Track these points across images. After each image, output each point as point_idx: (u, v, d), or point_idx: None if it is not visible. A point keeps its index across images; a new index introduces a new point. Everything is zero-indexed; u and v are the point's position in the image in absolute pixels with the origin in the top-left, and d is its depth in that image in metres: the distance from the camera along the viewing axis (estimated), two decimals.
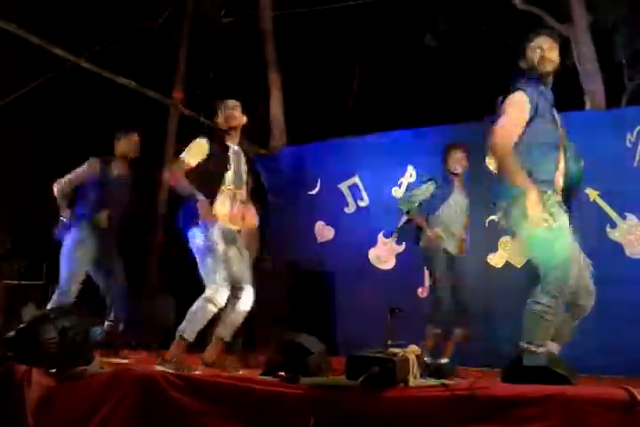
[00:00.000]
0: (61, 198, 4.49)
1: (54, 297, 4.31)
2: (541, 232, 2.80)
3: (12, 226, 8.05)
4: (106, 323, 4.37)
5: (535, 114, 2.93)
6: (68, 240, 4.40)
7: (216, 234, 3.54)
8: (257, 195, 3.92)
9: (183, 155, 3.64)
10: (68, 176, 4.51)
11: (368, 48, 10.61)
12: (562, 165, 2.97)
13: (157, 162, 8.50)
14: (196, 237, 3.55)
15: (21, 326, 3.07)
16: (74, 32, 8.47)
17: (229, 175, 3.66)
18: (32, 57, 8.13)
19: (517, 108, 2.94)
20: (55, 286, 4.42)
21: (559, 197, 2.93)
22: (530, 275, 3.02)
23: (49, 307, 4.23)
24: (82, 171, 4.51)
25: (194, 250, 3.58)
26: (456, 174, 4.47)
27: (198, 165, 3.61)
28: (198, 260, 3.56)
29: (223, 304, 3.54)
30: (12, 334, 3.04)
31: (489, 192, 3.14)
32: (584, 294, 2.86)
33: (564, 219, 2.87)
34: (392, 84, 10.45)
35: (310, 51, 10.04)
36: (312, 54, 10.11)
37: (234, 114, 3.73)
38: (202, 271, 3.55)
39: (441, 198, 4.42)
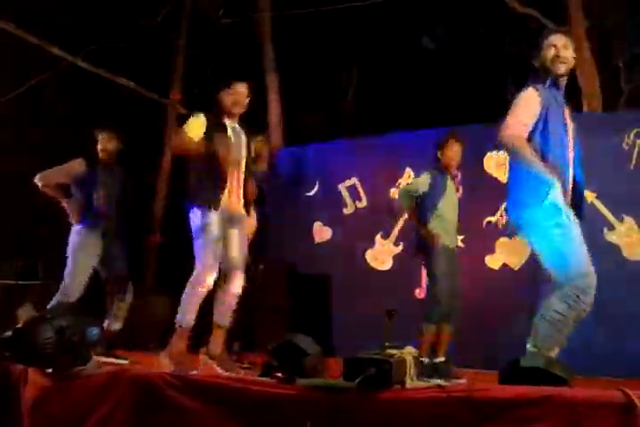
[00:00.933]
0: (50, 189, 4.47)
1: (57, 296, 4.30)
2: (561, 242, 2.78)
3: (9, 225, 8.03)
4: (105, 322, 4.37)
5: (546, 116, 2.88)
6: (75, 240, 4.40)
7: (213, 215, 3.54)
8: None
9: (184, 127, 3.60)
10: (51, 170, 4.49)
11: (366, 50, 10.62)
12: (571, 170, 2.94)
13: (155, 162, 8.49)
14: (194, 217, 3.57)
15: (18, 325, 3.07)
16: (71, 31, 8.45)
17: (231, 152, 3.64)
18: (29, 56, 8.12)
19: (528, 103, 2.88)
20: (52, 286, 4.42)
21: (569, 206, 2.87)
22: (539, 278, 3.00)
23: (50, 305, 4.23)
24: (66, 168, 4.50)
25: (192, 229, 3.58)
26: (451, 167, 4.44)
27: (202, 146, 3.57)
28: (194, 239, 3.57)
29: (211, 285, 3.53)
30: (8, 333, 3.04)
31: (505, 200, 3.08)
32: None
33: (578, 229, 2.83)
34: (390, 85, 10.46)
35: (308, 52, 10.04)
36: (310, 56, 10.10)
37: (240, 101, 3.71)
38: (194, 251, 3.55)
39: (438, 191, 4.38)
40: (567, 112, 3.01)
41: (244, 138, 3.77)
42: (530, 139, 2.88)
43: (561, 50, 2.93)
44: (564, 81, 3.02)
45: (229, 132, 3.68)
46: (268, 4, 8.21)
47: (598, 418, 2.08)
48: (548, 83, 2.96)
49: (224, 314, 3.68)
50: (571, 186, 2.94)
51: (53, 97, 9.13)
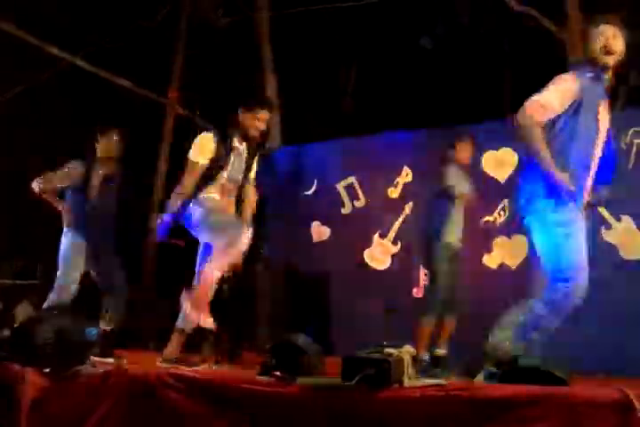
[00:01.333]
0: (49, 195, 4.46)
1: (50, 297, 4.30)
2: (562, 239, 2.70)
3: (9, 226, 8.03)
4: (101, 322, 4.36)
5: (580, 105, 2.73)
6: (64, 242, 4.40)
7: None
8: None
9: (191, 155, 3.56)
10: (49, 176, 4.46)
11: (365, 50, 10.62)
12: (594, 167, 2.85)
13: (153, 162, 8.49)
14: (194, 212, 3.51)
15: (16, 325, 3.06)
16: (71, 31, 8.45)
17: (225, 174, 3.62)
18: (27, 55, 8.11)
19: (560, 87, 2.74)
20: (51, 286, 4.41)
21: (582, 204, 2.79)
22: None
23: (45, 306, 4.22)
24: (63, 174, 4.47)
25: (197, 227, 3.53)
26: (464, 166, 4.47)
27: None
28: (204, 230, 3.51)
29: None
30: (6, 333, 3.04)
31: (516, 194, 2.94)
32: None
33: (583, 229, 2.75)
34: (389, 85, 10.46)
35: (307, 52, 10.04)
36: (309, 55, 10.11)
37: (260, 127, 3.66)
38: (211, 238, 3.49)
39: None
40: (604, 106, 2.88)
41: (243, 164, 3.71)
42: (552, 126, 2.74)
43: (610, 40, 2.79)
44: (609, 73, 2.88)
45: (232, 157, 3.64)
46: (266, 3, 8.21)
47: (598, 418, 2.08)
48: (591, 72, 2.81)
49: (189, 319, 3.54)
50: (590, 183, 2.85)
51: (53, 97, 9.13)
